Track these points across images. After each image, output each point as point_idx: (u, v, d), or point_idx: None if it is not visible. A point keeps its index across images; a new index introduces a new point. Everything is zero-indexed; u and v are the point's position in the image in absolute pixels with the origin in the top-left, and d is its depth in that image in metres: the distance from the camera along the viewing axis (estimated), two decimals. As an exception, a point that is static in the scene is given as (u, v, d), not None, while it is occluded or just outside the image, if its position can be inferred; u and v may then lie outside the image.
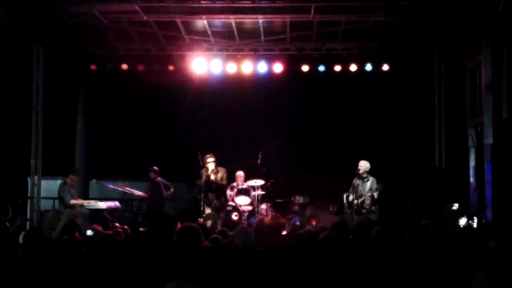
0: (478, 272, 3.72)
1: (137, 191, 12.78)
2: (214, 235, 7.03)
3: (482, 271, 3.71)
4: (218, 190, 11.80)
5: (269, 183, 13.01)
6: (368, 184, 11.10)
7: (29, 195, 13.32)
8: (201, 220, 11.20)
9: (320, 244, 5.54)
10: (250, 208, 12.74)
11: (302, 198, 13.46)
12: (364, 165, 11.16)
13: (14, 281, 4.89)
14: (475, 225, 9.88)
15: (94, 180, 13.48)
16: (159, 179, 12.69)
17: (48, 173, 13.32)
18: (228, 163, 12.49)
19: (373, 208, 11.13)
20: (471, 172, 11.58)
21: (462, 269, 4.63)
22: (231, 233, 7.22)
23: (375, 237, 6.01)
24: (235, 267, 5.03)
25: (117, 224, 8.52)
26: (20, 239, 6.40)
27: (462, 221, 9.86)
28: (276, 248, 5.60)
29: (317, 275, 4.90)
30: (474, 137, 11.46)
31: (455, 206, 10.57)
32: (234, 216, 12.57)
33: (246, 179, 13.10)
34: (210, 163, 11.76)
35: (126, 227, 8.19)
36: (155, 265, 5.15)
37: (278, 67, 13.75)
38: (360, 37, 12.95)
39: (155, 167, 12.72)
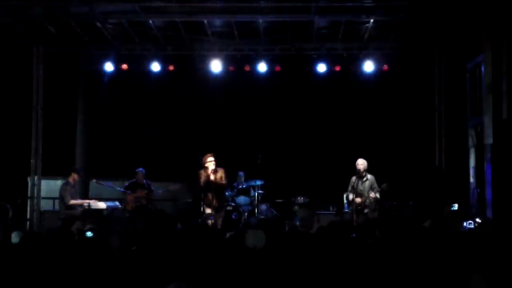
0: (476, 275, 3.71)
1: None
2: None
3: (480, 273, 3.71)
4: (217, 190, 11.79)
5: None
6: (368, 183, 11.07)
7: (29, 195, 13.31)
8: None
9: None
10: (250, 208, 12.74)
11: (302, 198, 13.44)
12: (363, 163, 11.10)
13: None
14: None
15: (94, 180, 13.47)
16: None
17: (48, 173, 13.31)
18: (228, 163, 12.47)
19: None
20: (471, 172, 11.58)
21: (462, 270, 4.63)
22: (230, 233, 7.23)
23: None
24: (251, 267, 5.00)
25: None
26: (14, 239, 6.22)
27: (463, 222, 9.85)
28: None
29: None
30: (474, 137, 11.46)
31: (455, 206, 10.56)
32: (233, 217, 12.57)
33: (246, 179, 13.09)
34: (211, 163, 11.75)
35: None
36: (159, 265, 5.13)
37: (278, 67, 13.75)
38: (360, 37, 12.94)
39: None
